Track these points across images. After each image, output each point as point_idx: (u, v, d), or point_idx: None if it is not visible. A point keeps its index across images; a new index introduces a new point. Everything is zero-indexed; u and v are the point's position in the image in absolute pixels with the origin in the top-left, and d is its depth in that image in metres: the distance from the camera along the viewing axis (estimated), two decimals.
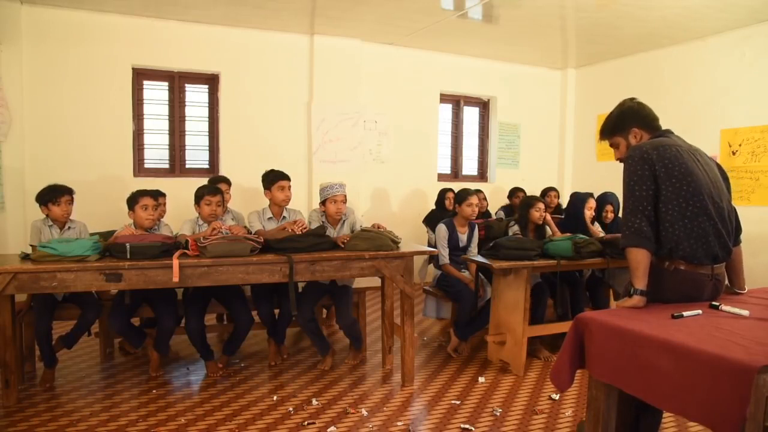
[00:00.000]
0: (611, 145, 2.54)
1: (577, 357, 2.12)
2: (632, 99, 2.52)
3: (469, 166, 7.68)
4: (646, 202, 2.22)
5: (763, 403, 1.44)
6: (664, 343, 1.78)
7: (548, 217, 4.57)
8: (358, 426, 3.05)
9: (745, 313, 2.07)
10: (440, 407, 3.31)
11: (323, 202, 3.97)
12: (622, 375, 1.93)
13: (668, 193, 2.21)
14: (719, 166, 2.48)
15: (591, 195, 4.83)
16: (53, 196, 3.64)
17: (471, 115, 7.67)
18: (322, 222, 3.97)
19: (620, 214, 5.16)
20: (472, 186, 6.15)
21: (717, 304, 2.16)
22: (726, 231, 2.29)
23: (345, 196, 3.98)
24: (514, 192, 6.22)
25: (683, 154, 2.28)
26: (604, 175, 7.19)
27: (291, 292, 3.38)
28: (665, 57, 6.49)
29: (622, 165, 2.39)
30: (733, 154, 5.76)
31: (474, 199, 4.41)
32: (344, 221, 4.03)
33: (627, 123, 2.44)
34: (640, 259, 2.22)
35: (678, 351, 1.72)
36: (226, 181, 4.75)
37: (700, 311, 2.10)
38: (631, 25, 5.73)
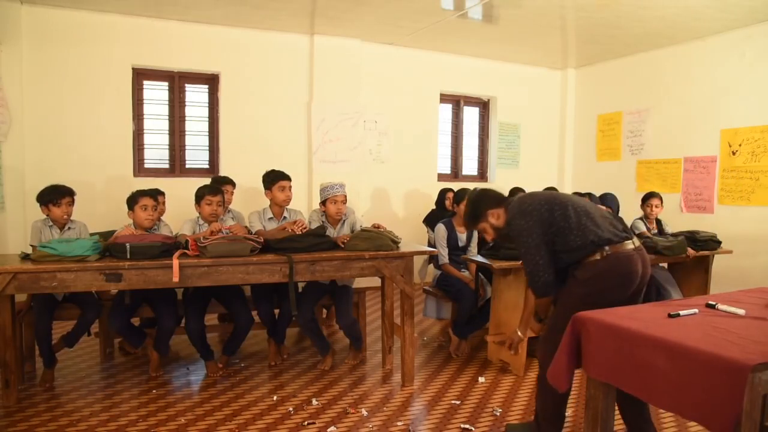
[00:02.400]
0: (480, 232, 2.89)
1: (575, 356, 2.13)
2: (474, 189, 2.97)
3: (469, 166, 7.69)
4: (543, 248, 2.54)
5: (759, 401, 1.45)
6: (661, 341, 1.79)
7: None
8: (358, 426, 3.05)
9: (741, 312, 2.08)
10: (440, 407, 3.31)
11: (323, 202, 3.97)
12: (618, 373, 1.94)
13: (560, 214, 2.55)
14: None
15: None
16: (54, 197, 3.63)
17: (471, 115, 7.68)
18: (322, 222, 3.98)
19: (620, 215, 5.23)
20: (472, 186, 6.15)
21: (714, 303, 2.17)
22: (607, 219, 2.66)
23: (345, 196, 3.98)
24: (515, 192, 6.21)
25: (542, 198, 2.65)
26: (604, 175, 7.21)
27: (291, 292, 3.38)
28: (665, 57, 6.49)
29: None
30: (733, 154, 5.76)
31: None
32: (344, 221, 4.04)
33: (481, 209, 2.79)
34: (548, 301, 2.67)
35: (674, 349, 1.73)
36: (231, 182, 4.75)
37: (696, 310, 2.11)
38: (631, 25, 5.73)
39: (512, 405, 3.34)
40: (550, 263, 2.54)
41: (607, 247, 2.49)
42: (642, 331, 1.87)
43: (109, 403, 3.30)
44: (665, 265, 4.94)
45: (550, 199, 2.62)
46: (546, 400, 2.68)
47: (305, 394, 3.49)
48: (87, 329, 3.74)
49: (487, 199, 2.81)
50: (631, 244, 2.55)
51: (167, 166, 5.98)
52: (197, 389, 3.57)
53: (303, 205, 6.31)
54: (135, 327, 3.81)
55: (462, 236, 4.47)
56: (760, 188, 5.54)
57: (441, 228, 4.42)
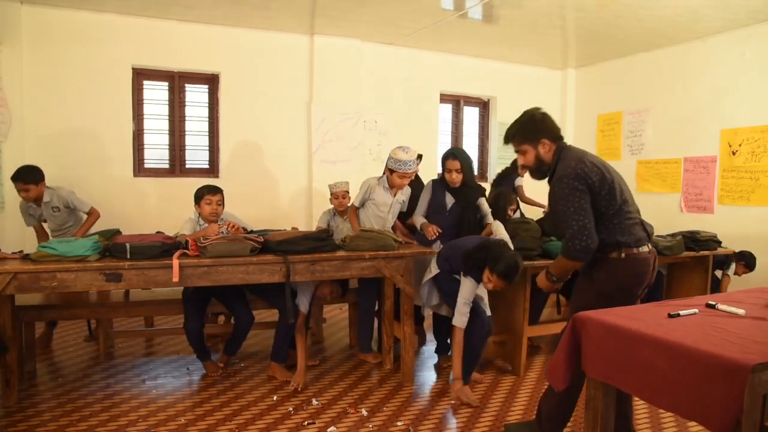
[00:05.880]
0: (517, 151, 2.71)
1: (574, 356, 2.13)
2: (538, 109, 2.68)
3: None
4: (590, 214, 2.43)
5: (759, 402, 1.45)
6: (661, 341, 1.79)
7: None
8: (358, 426, 3.06)
9: (741, 312, 2.08)
10: (440, 407, 3.31)
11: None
12: (618, 373, 1.94)
13: (603, 200, 2.46)
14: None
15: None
16: (15, 181, 4.16)
17: (471, 115, 7.67)
18: (331, 217, 4.47)
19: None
20: None
21: (714, 303, 2.17)
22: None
23: (344, 191, 4.48)
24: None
25: (598, 166, 2.50)
26: None
27: (287, 300, 3.40)
28: (665, 57, 6.49)
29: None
30: (733, 154, 5.76)
31: None
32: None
33: (538, 133, 2.60)
34: (575, 266, 2.57)
35: (674, 349, 1.73)
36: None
37: (696, 310, 2.11)
38: (631, 25, 5.73)
39: (512, 405, 3.34)
40: (593, 228, 2.42)
41: (626, 249, 2.47)
42: (642, 331, 1.87)
43: (109, 403, 3.31)
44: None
45: (602, 172, 2.47)
46: (553, 400, 2.65)
47: (305, 394, 3.49)
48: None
49: (550, 127, 2.60)
50: (647, 247, 2.54)
51: (167, 166, 5.97)
52: (197, 389, 3.57)
53: (302, 205, 6.31)
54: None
55: None
56: (760, 188, 5.53)
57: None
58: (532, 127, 2.61)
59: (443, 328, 3.94)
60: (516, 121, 2.68)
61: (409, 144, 4.37)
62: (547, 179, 2.67)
